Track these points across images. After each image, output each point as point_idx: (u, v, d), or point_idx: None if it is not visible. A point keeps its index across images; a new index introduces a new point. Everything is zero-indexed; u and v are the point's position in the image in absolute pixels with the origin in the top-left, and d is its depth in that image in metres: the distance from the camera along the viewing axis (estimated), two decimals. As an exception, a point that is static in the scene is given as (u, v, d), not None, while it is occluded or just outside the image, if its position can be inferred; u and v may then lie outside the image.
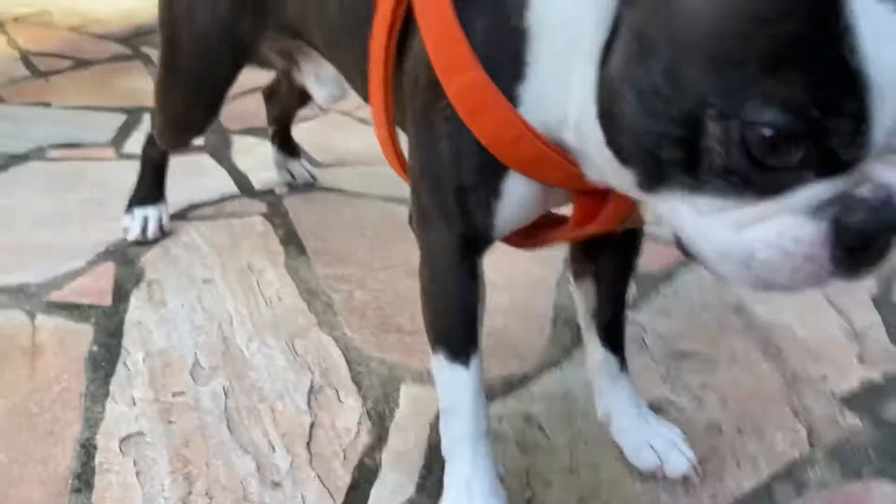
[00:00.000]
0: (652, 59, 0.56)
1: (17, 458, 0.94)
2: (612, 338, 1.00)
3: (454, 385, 0.86)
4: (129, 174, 1.51)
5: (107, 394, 1.05)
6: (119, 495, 0.90)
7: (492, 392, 1.11)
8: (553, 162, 0.71)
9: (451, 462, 0.87)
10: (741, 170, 0.54)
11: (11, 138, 1.81)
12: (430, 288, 0.87)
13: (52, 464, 0.94)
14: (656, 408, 1.10)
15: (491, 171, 0.73)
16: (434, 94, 0.73)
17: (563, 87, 0.67)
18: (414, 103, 0.79)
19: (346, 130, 2.00)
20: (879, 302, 1.44)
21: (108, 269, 1.34)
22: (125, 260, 1.37)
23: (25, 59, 2.41)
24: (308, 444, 1.00)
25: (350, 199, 1.65)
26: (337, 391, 1.09)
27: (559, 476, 0.98)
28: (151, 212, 1.43)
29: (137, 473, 0.93)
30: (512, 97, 0.69)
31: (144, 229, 1.41)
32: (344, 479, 0.95)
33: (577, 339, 1.25)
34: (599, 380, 1.02)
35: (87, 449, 0.96)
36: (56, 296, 1.26)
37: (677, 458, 0.97)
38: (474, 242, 0.81)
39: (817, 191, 0.54)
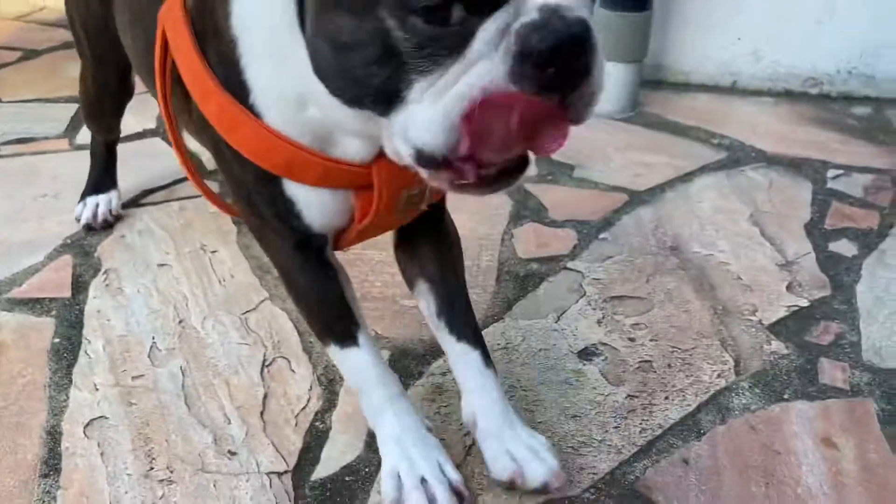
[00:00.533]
0: (331, 9, 0.65)
1: (-12, 450, 1.00)
2: (465, 333, 0.96)
3: (353, 365, 0.93)
4: (83, 165, 1.55)
5: (70, 382, 1.11)
6: (85, 476, 0.96)
7: (437, 350, 1.17)
8: (309, 162, 0.78)
9: (379, 429, 0.93)
10: (422, 41, 0.60)
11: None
12: (291, 292, 0.96)
13: (20, 452, 1.00)
14: (591, 351, 1.17)
15: (271, 181, 0.81)
16: (205, 122, 0.82)
17: (284, 72, 0.75)
18: (200, 135, 0.89)
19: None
20: (811, 229, 1.51)
21: (66, 262, 1.38)
22: (83, 251, 1.41)
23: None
24: (262, 413, 1.06)
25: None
26: (289, 361, 1.15)
27: (499, 422, 1.04)
28: (102, 199, 1.48)
29: (102, 454, 0.99)
30: (253, 109, 0.78)
31: (95, 215, 1.46)
32: (296, 443, 1.01)
33: (519, 294, 1.31)
34: (464, 379, 0.96)
35: (54, 436, 1.02)
36: (17, 292, 1.30)
37: (537, 467, 0.90)
38: (306, 241, 0.87)
39: (487, 34, 0.60)
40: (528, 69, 0.59)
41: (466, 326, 0.97)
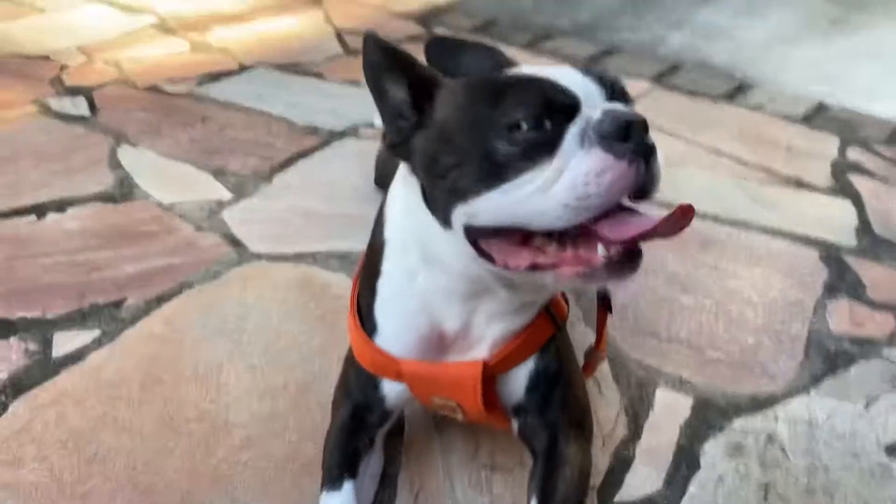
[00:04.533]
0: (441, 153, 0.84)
1: None
2: None
3: None
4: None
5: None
6: (423, 448, 1.14)
7: (738, 407, 1.23)
8: (387, 364, 0.99)
9: None
10: (525, 148, 0.78)
11: (331, 115, 2.13)
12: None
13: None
14: None
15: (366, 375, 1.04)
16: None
17: (410, 242, 0.95)
18: None
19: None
20: None
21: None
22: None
23: (339, 36, 2.75)
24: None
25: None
26: (599, 385, 1.26)
27: (796, 496, 1.09)
28: None
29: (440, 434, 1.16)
30: (375, 290, 1.01)
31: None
32: (604, 462, 1.12)
33: (828, 370, 1.32)
34: None
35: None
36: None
37: None
38: (367, 409, 1.05)
39: (572, 135, 0.77)
40: (613, 144, 0.75)
41: None
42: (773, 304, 1.47)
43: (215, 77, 2.33)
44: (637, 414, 1.21)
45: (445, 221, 0.87)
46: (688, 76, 2.58)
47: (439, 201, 0.86)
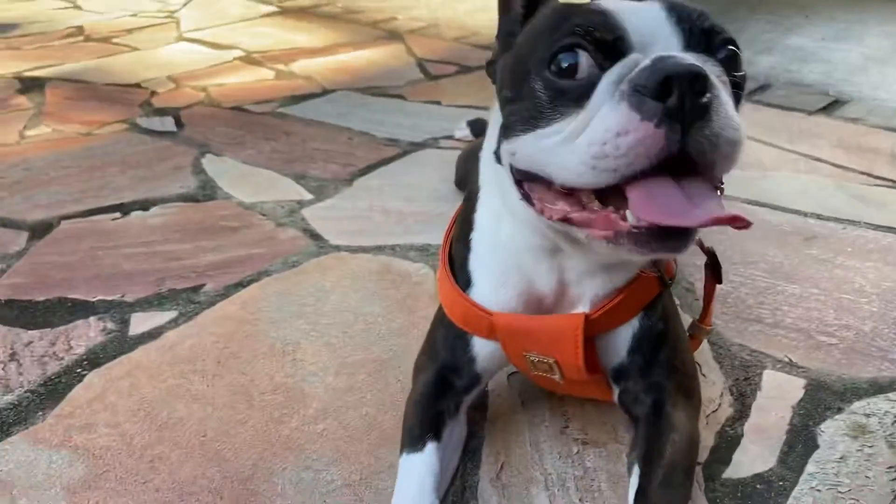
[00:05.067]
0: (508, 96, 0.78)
1: None
2: None
3: (407, 468, 0.91)
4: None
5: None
6: (507, 418, 1.06)
7: (858, 390, 1.11)
8: (481, 318, 0.91)
9: None
10: (554, 94, 0.70)
11: (412, 130, 2.12)
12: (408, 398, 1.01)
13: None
14: None
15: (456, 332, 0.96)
16: None
17: (494, 194, 0.91)
18: None
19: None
20: None
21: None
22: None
23: (420, 64, 2.78)
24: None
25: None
26: (699, 366, 1.16)
27: (931, 477, 0.96)
28: None
29: (522, 403, 1.08)
30: (470, 245, 0.95)
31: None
32: (708, 439, 1.02)
33: (957, 352, 1.19)
34: None
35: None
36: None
37: None
38: (454, 371, 0.97)
39: (605, 83, 0.67)
40: (646, 101, 0.64)
41: None
42: (890, 293, 1.35)
43: (298, 99, 2.36)
44: (743, 394, 1.10)
45: (497, 157, 0.82)
46: (780, 93, 2.48)
47: (500, 135, 0.81)
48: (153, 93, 2.40)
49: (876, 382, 1.13)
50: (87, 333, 1.24)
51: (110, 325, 1.26)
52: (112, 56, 2.80)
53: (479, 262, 0.94)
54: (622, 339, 0.91)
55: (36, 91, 2.42)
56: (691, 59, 0.66)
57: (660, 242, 0.67)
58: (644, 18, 0.71)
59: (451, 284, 0.95)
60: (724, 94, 0.67)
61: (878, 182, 1.83)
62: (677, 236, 0.67)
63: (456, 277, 0.96)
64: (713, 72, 0.68)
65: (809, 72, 2.68)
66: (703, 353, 1.19)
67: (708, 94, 0.65)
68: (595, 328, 0.89)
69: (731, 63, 0.73)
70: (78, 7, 3.52)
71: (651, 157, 0.64)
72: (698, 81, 0.64)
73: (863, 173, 1.88)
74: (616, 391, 0.94)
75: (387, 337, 1.23)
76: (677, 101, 0.63)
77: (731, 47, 0.73)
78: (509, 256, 0.90)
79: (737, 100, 0.73)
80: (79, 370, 1.16)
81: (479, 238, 0.94)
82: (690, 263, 1.42)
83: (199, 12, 3.42)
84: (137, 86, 2.46)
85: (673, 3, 0.74)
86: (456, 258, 0.97)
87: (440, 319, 1.00)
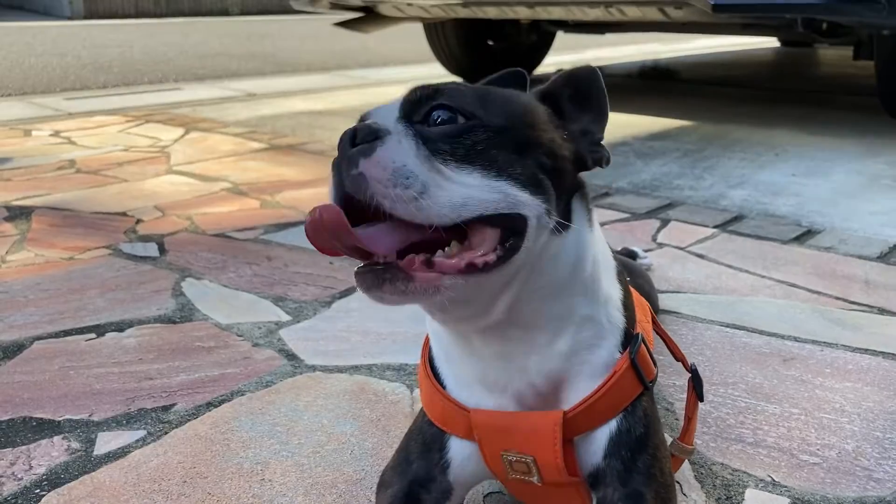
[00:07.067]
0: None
1: None
2: None
3: None
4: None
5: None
6: None
7: (844, 508, 1.08)
8: (458, 415, 0.90)
9: None
10: None
11: (393, 255, 2.14)
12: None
13: None
14: None
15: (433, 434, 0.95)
16: None
17: None
18: None
19: (682, 263, 2.08)
20: None
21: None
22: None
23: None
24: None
25: (687, 321, 1.70)
26: (680, 486, 1.13)
27: None
28: None
29: None
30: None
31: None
32: (690, 561, 0.97)
33: (944, 472, 1.16)
34: None
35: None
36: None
37: None
38: (424, 484, 0.94)
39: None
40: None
41: None
42: (870, 412, 1.33)
43: (282, 227, 2.40)
44: (726, 515, 1.07)
45: None
46: (753, 223, 2.54)
47: None
48: (138, 220, 2.43)
49: (862, 502, 1.10)
50: (50, 453, 1.20)
51: (75, 445, 1.22)
52: (101, 187, 2.85)
53: (440, 360, 0.94)
54: (599, 440, 0.89)
55: (22, 219, 2.44)
56: (381, 122, 0.78)
57: (371, 276, 0.75)
58: (392, 102, 0.84)
59: (431, 381, 0.94)
60: (392, 143, 0.75)
61: (854, 307, 1.85)
62: (377, 272, 0.75)
63: (435, 376, 0.95)
64: (400, 129, 0.77)
65: (782, 204, 2.76)
66: (684, 472, 1.16)
67: (362, 146, 0.75)
68: (574, 426, 0.87)
69: (449, 119, 0.79)
70: (72, 143, 3.61)
71: (333, 194, 0.77)
72: (357, 134, 0.76)
73: (838, 298, 1.90)
74: (594, 499, 0.91)
75: (360, 457, 1.19)
76: (339, 152, 0.77)
77: (442, 110, 0.80)
78: (457, 350, 0.91)
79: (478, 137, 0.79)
80: (37, 490, 1.11)
81: (432, 335, 0.95)
82: (670, 384, 1.41)
83: (190, 148, 3.52)
84: (124, 214, 2.50)
85: (428, 87, 0.82)
86: (431, 356, 0.97)
87: (417, 425, 0.98)
